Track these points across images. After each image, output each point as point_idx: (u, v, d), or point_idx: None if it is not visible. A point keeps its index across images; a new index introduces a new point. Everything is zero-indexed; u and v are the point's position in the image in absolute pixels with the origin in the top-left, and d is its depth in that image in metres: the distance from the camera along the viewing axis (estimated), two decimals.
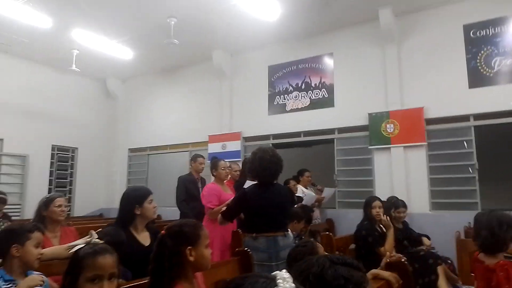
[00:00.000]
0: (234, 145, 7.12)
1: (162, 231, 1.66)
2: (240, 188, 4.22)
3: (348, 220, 5.06)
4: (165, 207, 6.15)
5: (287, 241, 2.72)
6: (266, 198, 2.76)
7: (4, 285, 1.90)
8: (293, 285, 0.69)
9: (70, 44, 6.67)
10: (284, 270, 0.73)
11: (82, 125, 8.33)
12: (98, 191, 8.45)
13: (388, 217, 3.74)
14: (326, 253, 1.03)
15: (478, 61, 5.22)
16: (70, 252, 1.50)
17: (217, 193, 3.94)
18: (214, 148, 7.26)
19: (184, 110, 7.99)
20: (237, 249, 2.52)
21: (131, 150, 8.79)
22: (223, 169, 4.08)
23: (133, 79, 8.86)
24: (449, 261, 3.95)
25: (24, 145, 7.31)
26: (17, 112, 7.26)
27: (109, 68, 8.12)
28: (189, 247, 1.58)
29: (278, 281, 0.68)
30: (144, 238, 2.49)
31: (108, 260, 1.45)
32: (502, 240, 2.07)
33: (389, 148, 5.61)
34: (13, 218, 5.18)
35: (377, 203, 3.75)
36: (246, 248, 2.52)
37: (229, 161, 4.76)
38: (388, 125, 5.61)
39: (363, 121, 5.86)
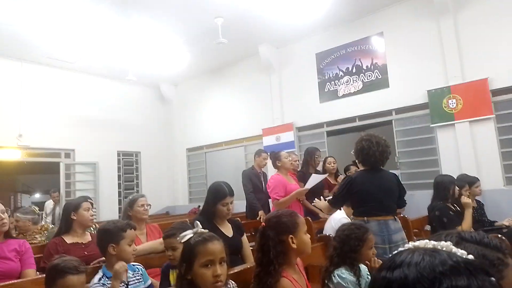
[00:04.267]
0: (288, 136, 7.16)
1: (262, 223, 1.76)
2: (304, 178, 4.29)
3: (415, 202, 4.93)
4: None
5: (398, 225, 2.76)
6: (376, 184, 2.81)
7: (107, 281, 2.08)
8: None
9: (125, 55, 7.07)
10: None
11: (142, 130, 8.80)
12: (162, 190, 8.91)
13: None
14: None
15: None
16: (181, 242, 1.63)
17: (283, 184, 4.01)
18: (268, 141, 7.35)
19: (236, 107, 8.16)
20: (319, 235, 2.57)
21: (188, 149, 9.14)
22: (286, 158, 4.14)
23: (185, 82, 9.19)
24: None
25: (93, 154, 7.88)
26: (84, 124, 7.83)
27: (162, 74, 8.49)
28: (290, 236, 1.67)
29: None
30: (227, 229, 2.63)
31: (217, 246, 1.56)
32: None
33: (453, 124, 5.37)
34: None
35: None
36: (329, 234, 2.58)
37: (286, 152, 4.82)
38: (450, 101, 5.37)
39: (422, 99, 5.65)
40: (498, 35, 5.11)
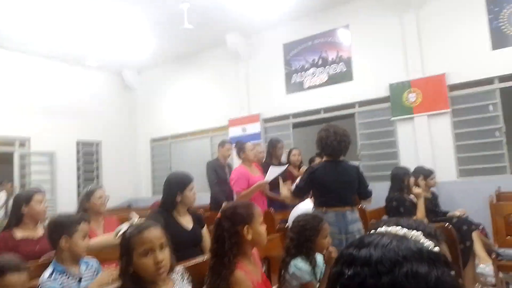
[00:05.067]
0: (254, 128, 7.15)
1: (218, 215, 1.74)
2: (268, 168, 4.30)
3: (375, 193, 5.05)
4: None
5: (355, 216, 2.83)
6: (335, 175, 2.86)
7: (58, 275, 2.00)
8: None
9: (86, 38, 6.75)
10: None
11: (103, 119, 8.48)
12: (124, 182, 8.64)
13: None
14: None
15: (501, 20, 5.06)
16: (118, 237, 1.58)
17: (245, 176, 4.01)
18: (235, 132, 7.31)
19: (202, 96, 8.04)
20: (278, 225, 2.58)
21: (153, 140, 8.93)
22: (250, 151, 4.13)
23: (149, 69, 8.91)
24: (481, 227, 3.95)
25: (50, 143, 7.50)
26: (40, 111, 7.42)
27: (125, 60, 8.19)
28: (245, 226, 1.67)
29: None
30: (187, 222, 2.59)
31: (154, 233, 1.52)
32: None
33: (412, 118, 5.55)
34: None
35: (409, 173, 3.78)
36: (286, 225, 2.60)
37: (252, 143, 4.81)
38: (410, 95, 5.54)
39: (384, 92, 5.80)
40: (457, 30, 5.32)
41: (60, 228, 2.08)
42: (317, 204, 2.88)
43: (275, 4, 5.97)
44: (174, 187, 2.55)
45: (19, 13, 5.78)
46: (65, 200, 7.42)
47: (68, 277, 2.02)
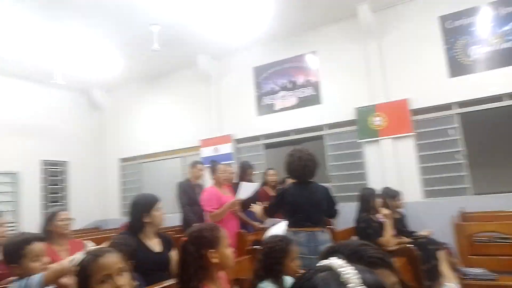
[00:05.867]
0: (226, 148, 7.18)
1: (184, 238, 1.73)
2: (238, 187, 4.32)
3: (344, 214, 5.15)
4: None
5: (325, 236, 2.87)
6: (305, 196, 2.92)
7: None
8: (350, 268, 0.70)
9: (52, 57, 6.63)
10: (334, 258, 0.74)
11: (70, 139, 8.26)
12: (92, 203, 8.38)
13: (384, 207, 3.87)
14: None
15: (455, 50, 5.41)
16: (72, 266, 1.55)
17: (216, 196, 4.01)
18: (207, 152, 7.30)
19: (173, 117, 8.01)
20: (247, 247, 2.59)
21: (122, 159, 8.75)
22: (221, 173, 4.15)
23: (118, 88, 8.81)
24: (447, 246, 4.09)
25: (14, 163, 7.22)
26: (3, 130, 7.16)
27: (93, 79, 8.07)
28: (210, 250, 1.66)
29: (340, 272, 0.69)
30: (155, 244, 2.55)
31: (111, 259, 1.49)
32: None
33: (378, 140, 5.76)
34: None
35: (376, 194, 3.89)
36: (254, 247, 2.61)
37: (223, 165, 4.83)
38: (375, 118, 5.76)
39: (351, 115, 6.00)
40: (417, 58, 5.63)
41: (10, 254, 2.01)
42: (289, 225, 2.93)
43: (246, 28, 6.14)
44: (140, 208, 2.52)
45: None
46: (29, 222, 7.07)
47: None
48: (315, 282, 0.67)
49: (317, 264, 0.76)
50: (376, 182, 5.41)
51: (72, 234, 3.21)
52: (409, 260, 2.10)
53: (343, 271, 0.69)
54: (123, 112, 8.77)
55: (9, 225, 6.57)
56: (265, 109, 6.93)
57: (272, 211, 3.17)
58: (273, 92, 6.88)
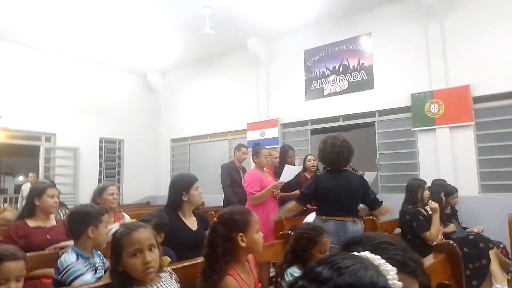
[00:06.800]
0: (272, 132, 7.14)
1: (214, 219, 1.73)
2: (279, 174, 4.28)
3: (392, 205, 4.94)
4: (207, 194, 6.29)
5: (356, 227, 2.77)
6: (337, 184, 2.83)
7: (84, 262, 2.04)
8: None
9: (112, 41, 6.96)
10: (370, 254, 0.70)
11: (127, 118, 8.70)
12: (144, 180, 8.84)
13: (433, 201, 3.62)
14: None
15: None
16: (108, 235, 1.61)
17: (259, 179, 4.00)
18: (253, 135, 7.32)
19: (222, 99, 8.11)
20: (280, 232, 2.57)
21: (173, 140, 9.08)
22: (264, 158, 4.13)
23: (172, 71, 9.09)
24: (501, 245, 3.79)
25: (75, 139, 7.76)
26: (66, 108, 7.70)
27: (150, 63, 8.39)
28: (240, 234, 1.65)
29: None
30: (192, 222, 2.60)
31: (143, 234, 1.54)
32: None
33: (434, 129, 5.40)
34: (68, 206, 5.53)
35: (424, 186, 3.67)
36: (289, 231, 2.57)
37: (267, 148, 4.81)
38: (432, 105, 5.39)
39: (405, 102, 5.67)
40: (484, 42, 5.14)
41: (86, 218, 2.13)
42: (318, 212, 2.86)
43: (297, 10, 5.97)
44: (180, 187, 2.58)
45: (49, 15, 6.04)
46: (86, 195, 7.61)
47: (88, 265, 2.07)
48: (355, 267, 0.61)
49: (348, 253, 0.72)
50: (428, 173, 5.10)
51: (119, 208, 3.40)
52: (449, 257, 1.94)
53: (381, 263, 0.67)
54: (175, 94, 9.03)
55: (68, 196, 7.16)
56: (314, 93, 6.76)
57: (305, 199, 3.08)
58: (323, 76, 6.68)
